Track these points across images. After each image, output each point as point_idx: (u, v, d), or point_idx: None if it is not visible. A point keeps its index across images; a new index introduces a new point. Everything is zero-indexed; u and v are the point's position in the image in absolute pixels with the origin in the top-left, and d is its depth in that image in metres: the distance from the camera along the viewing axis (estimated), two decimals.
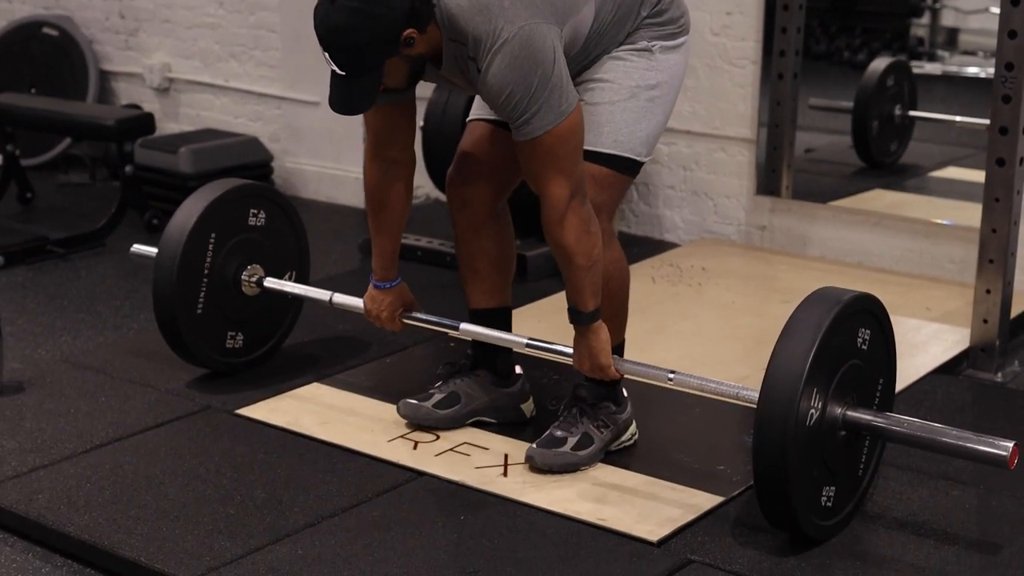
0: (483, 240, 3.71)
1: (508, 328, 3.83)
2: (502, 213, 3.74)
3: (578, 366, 3.49)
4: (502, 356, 3.82)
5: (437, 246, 5.51)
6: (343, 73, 3.14)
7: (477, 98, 3.71)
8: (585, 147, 3.32)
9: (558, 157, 3.21)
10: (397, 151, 3.59)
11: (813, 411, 3.00)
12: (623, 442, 3.67)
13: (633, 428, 3.70)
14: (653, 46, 3.49)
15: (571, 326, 3.45)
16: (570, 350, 3.52)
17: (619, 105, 3.43)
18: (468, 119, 3.74)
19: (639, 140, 3.45)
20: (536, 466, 3.54)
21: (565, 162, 3.22)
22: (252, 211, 4.17)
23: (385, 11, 3.08)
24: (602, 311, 3.43)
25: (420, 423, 3.78)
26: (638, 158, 3.48)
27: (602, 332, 3.42)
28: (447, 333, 3.84)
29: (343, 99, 3.20)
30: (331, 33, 3.10)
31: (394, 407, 3.84)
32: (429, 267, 5.41)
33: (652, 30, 3.49)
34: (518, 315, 4.66)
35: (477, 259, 3.73)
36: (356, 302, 3.93)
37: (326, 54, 3.13)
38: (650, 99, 3.47)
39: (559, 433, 3.57)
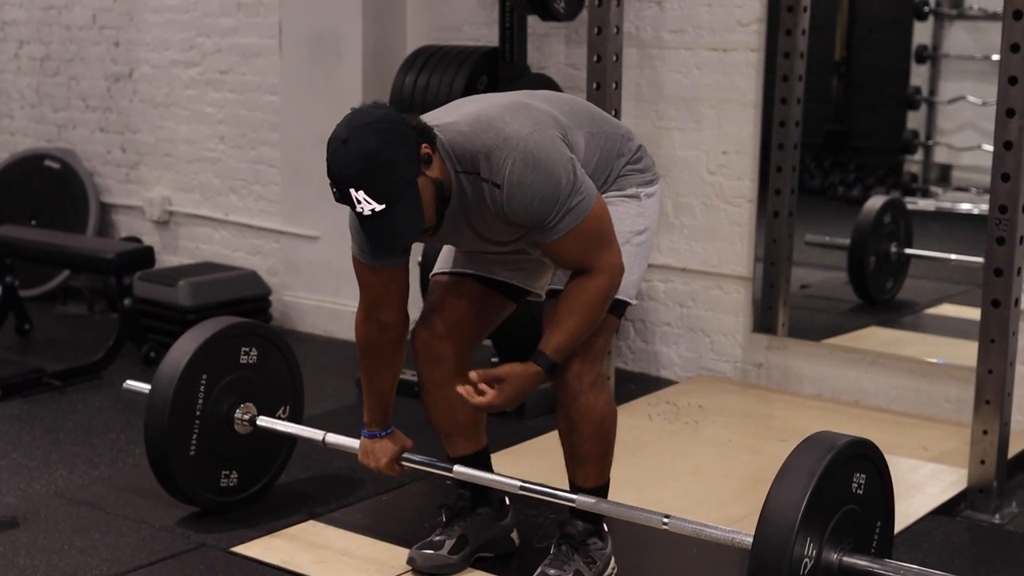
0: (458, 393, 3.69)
1: (489, 465, 3.83)
2: (470, 361, 3.70)
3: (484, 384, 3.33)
4: (495, 491, 3.82)
5: None
6: (382, 206, 3.08)
7: (443, 252, 3.74)
8: None
9: (602, 233, 3.31)
10: (390, 314, 3.56)
11: (807, 559, 2.97)
12: None
13: (613, 563, 3.68)
14: (640, 192, 3.58)
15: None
16: (565, 492, 3.54)
17: None
18: (432, 274, 3.73)
19: (631, 283, 3.50)
20: None
21: (609, 234, 3.33)
22: (244, 349, 4.17)
23: (399, 125, 3.14)
24: (593, 451, 3.48)
25: (437, 572, 3.73)
26: (630, 300, 3.53)
27: (537, 381, 3.36)
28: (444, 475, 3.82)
29: (388, 235, 3.14)
30: (362, 162, 3.06)
31: (390, 546, 3.83)
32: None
33: (636, 176, 3.58)
34: (515, 452, 4.67)
35: (456, 411, 3.68)
36: (349, 442, 3.91)
37: (359, 193, 3.07)
38: (639, 244, 3.54)
39: (552, 572, 3.53)
